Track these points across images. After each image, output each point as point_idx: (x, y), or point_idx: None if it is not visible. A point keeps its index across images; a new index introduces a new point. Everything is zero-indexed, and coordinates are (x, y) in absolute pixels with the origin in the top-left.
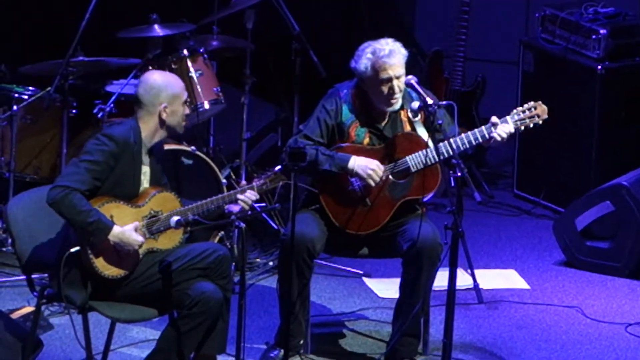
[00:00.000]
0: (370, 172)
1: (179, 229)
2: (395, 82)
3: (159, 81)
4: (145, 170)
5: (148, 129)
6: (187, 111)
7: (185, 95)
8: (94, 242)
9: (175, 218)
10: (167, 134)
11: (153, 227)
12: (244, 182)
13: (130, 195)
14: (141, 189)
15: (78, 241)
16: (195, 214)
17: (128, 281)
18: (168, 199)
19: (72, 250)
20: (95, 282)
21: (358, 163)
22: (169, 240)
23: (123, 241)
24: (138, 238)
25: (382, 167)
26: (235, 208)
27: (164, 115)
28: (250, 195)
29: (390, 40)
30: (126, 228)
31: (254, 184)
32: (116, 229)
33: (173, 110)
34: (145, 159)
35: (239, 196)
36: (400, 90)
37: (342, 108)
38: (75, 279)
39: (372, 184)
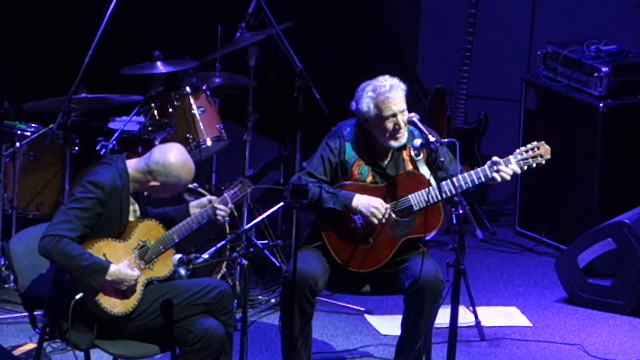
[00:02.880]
0: (374, 209)
1: (180, 266)
2: (399, 116)
3: (174, 167)
4: (135, 208)
5: (135, 180)
6: (169, 195)
7: (180, 190)
8: (94, 285)
9: (177, 256)
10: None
11: (145, 256)
12: (214, 197)
13: (118, 232)
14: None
15: (79, 287)
16: (181, 235)
17: (132, 318)
18: (151, 227)
19: (77, 297)
20: (101, 323)
21: (362, 201)
22: (164, 267)
23: (120, 278)
24: (134, 273)
25: (385, 206)
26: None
27: (149, 189)
28: (226, 208)
29: (388, 77)
30: (121, 265)
31: (225, 195)
32: (113, 268)
33: (157, 192)
34: (132, 198)
35: (218, 211)
36: (405, 124)
37: (345, 146)
38: (80, 323)
39: (375, 221)
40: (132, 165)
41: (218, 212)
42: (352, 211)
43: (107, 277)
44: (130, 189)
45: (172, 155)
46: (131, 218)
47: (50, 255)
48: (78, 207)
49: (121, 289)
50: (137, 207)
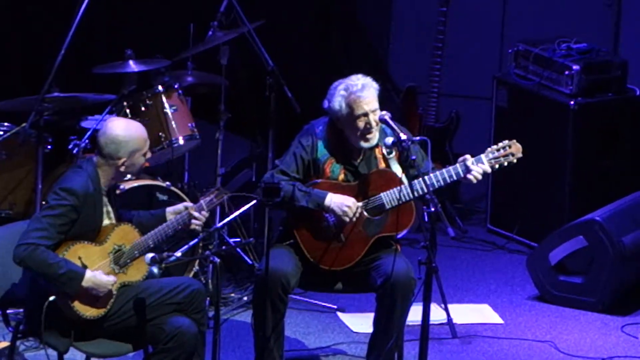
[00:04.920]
0: (346, 209)
1: (153, 265)
2: (371, 116)
3: (120, 135)
4: (109, 210)
5: (106, 177)
6: (148, 156)
7: (146, 147)
8: (70, 292)
9: (150, 255)
10: (122, 178)
11: (120, 260)
12: (190, 204)
13: (93, 236)
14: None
15: (53, 290)
16: (155, 241)
17: (105, 319)
18: (127, 231)
19: (51, 299)
20: (76, 326)
21: (334, 200)
22: (137, 272)
23: (96, 284)
24: (110, 279)
25: (357, 204)
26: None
27: (122, 168)
28: (202, 215)
29: (360, 76)
30: (97, 272)
31: (201, 202)
32: (88, 274)
33: (132, 163)
34: (105, 199)
35: (193, 220)
36: (377, 124)
37: (317, 144)
38: (56, 325)
39: (347, 220)
40: (96, 164)
41: (193, 220)
42: (325, 210)
43: (83, 284)
44: (104, 189)
45: (112, 129)
46: (105, 220)
47: (25, 264)
48: (52, 214)
49: (97, 295)
50: (110, 208)
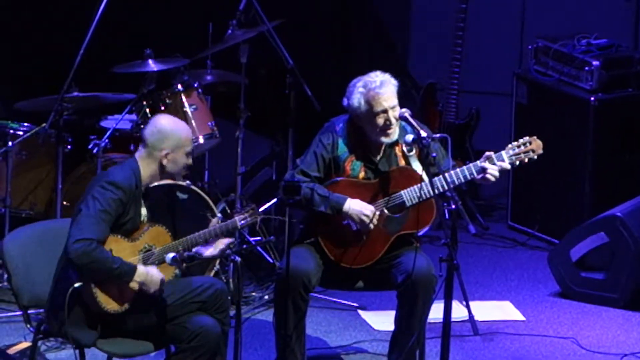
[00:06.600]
0: (364, 217)
1: (174, 265)
2: (390, 112)
3: (167, 127)
4: (144, 212)
5: (148, 171)
6: (189, 162)
7: (190, 147)
8: (120, 285)
9: (171, 255)
10: (163, 178)
11: (148, 261)
12: (219, 217)
13: (128, 234)
14: None
15: (79, 278)
16: (185, 247)
17: (127, 316)
18: (160, 234)
19: (76, 285)
20: (100, 320)
21: (352, 207)
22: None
23: (147, 281)
24: (160, 275)
25: (376, 213)
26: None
27: (164, 162)
28: (228, 240)
29: (379, 73)
30: (149, 268)
31: (235, 219)
32: (140, 269)
33: (174, 159)
34: (142, 201)
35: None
36: (396, 120)
37: (337, 142)
38: (79, 318)
39: (364, 228)
40: (138, 159)
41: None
42: (343, 215)
43: (136, 279)
44: (143, 187)
45: (160, 121)
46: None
47: (82, 260)
48: (102, 209)
49: (149, 292)
50: (145, 211)
